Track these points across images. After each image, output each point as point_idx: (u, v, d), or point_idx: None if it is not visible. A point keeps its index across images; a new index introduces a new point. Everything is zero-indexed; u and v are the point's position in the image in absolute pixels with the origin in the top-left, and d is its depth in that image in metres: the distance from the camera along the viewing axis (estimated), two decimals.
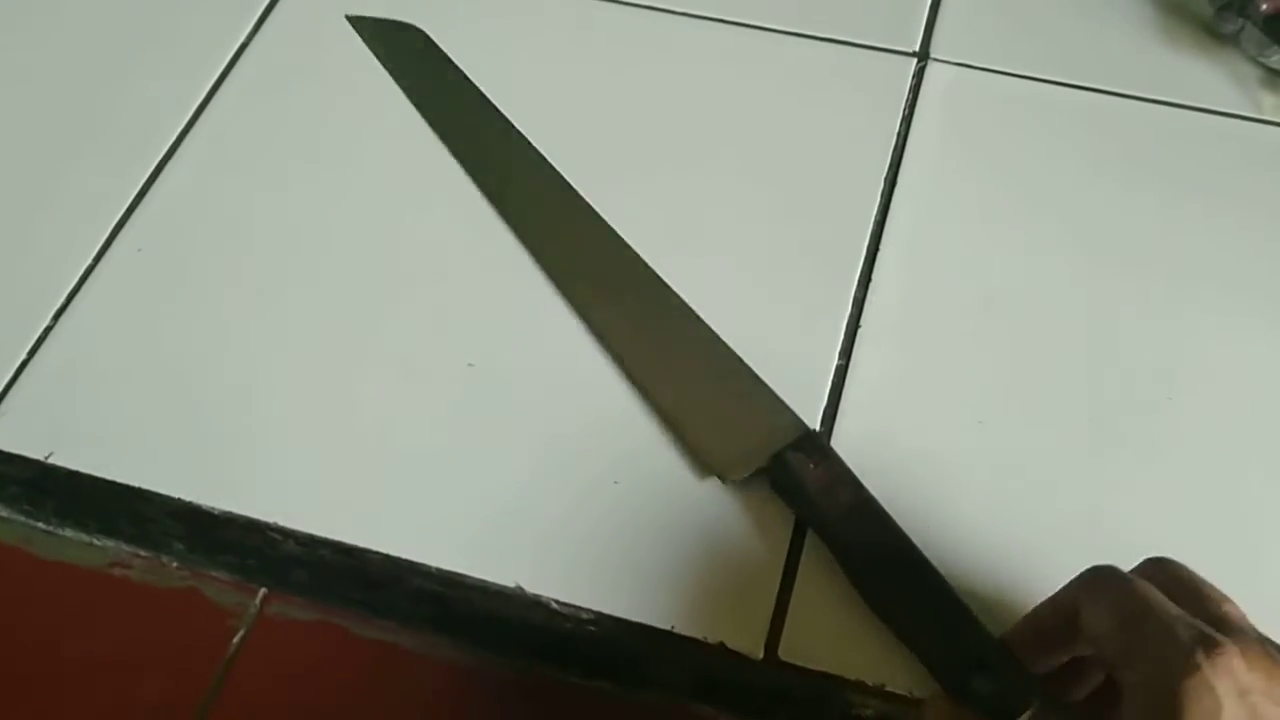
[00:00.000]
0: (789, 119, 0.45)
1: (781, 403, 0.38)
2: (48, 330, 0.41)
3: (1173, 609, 0.27)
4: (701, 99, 0.46)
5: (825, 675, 0.34)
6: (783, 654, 0.34)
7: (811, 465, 0.35)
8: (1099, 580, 0.29)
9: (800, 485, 0.35)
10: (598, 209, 0.43)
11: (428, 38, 0.48)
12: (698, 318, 0.40)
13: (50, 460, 0.39)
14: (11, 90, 0.48)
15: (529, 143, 0.45)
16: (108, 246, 0.43)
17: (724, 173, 0.44)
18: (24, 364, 0.41)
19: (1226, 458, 0.37)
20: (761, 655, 0.34)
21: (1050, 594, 0.31)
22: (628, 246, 0.41)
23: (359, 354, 0.40)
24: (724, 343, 0.39)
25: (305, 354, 0.40)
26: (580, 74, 0.47)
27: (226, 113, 0.47)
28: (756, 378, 0.38)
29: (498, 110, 0.46)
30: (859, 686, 0.34)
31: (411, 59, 0.48)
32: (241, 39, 0.49)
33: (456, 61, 0.47)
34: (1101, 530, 0.35)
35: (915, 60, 0.46)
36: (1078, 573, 0.30)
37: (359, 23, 0.49)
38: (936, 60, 0.46)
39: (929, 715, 0.32)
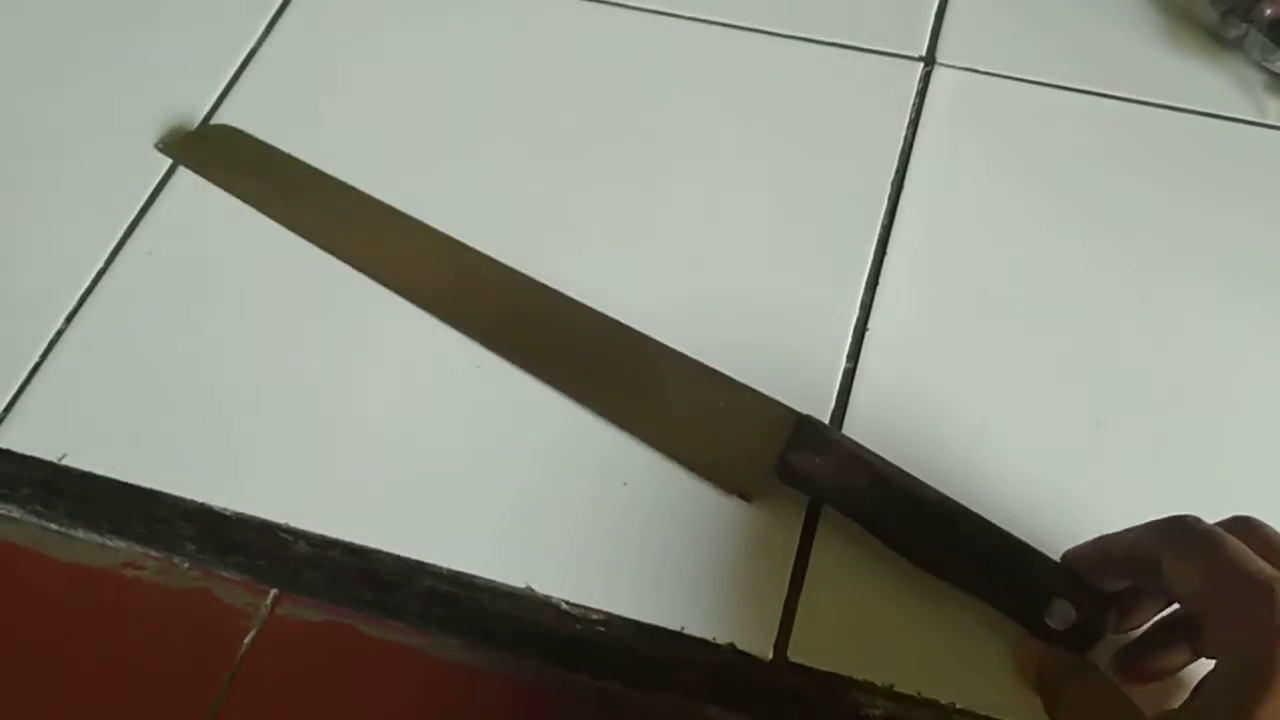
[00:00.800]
0: (796, 124, 0.45)
1: (766, 399, 0.37)
2: (60, 333, 0.42)
3: (1267, 569, 0.27)
4: (706, 104, 0.46)
5: (834, 676, 0.34)
6: (792, 655, 0.34)
7: (816, 459, 0.35)
8: (1185, 534, 0.29)
9: (813, 483, 0.35)
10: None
11: (240, 133, 0.46)
12: (653, 341, 0.39)
13: (63, 461, 0.39)
14: (20, 95, 0.48)
15: (384, 205, 0.43)
16: (119, 249, 0.44)
17: (729, 178, 0.44)
18: (37, 366, 0.41)
19: (1231, 459, 0.37)
20: (771, 656, 0.34)
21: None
22: (540, 287, 0.41)
23: (370, 356, 0.41)
24: (689, 358, 0.39)
25: (316, 355, 0.41)
26: (575, 80, 0.47)
27: (239, 115, 0.47)
28: (733, 383, 0.38)
29: (341, 184, 0.44)
30: (868, 687, 0.34)
31: (232, 159, 0.45)
32: (258, 35, 0.49)
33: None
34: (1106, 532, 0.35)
35: (921, 65, 0.46)
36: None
37: (170, 148, 0.46)
38: (943, 65, 0.46)
39: (1021, 656, 0.32)
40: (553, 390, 0.39)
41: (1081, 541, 0.32)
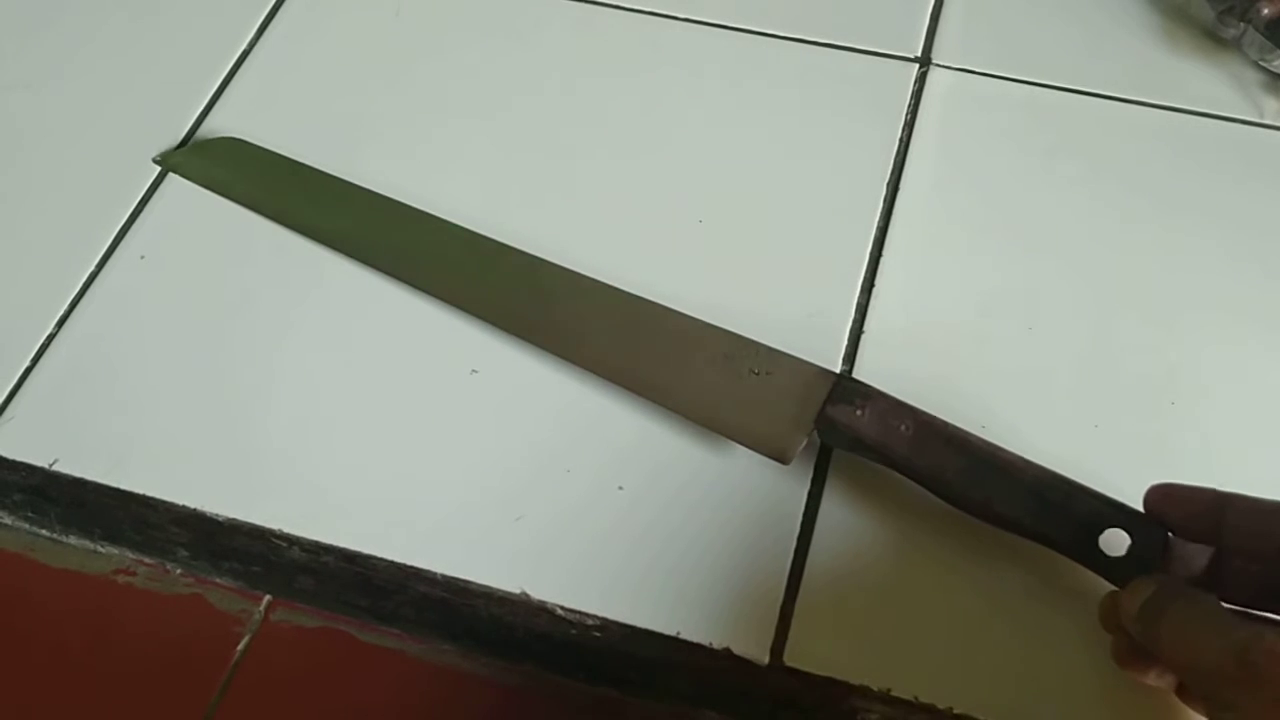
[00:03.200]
0: (791, 125, 0.45)
1: (798, 361, 0.37)
2: (51, 338, 0.41)
3: None
4: (703, 106, 0.46)
5: (831, 680, 0.34)
6: (788, 659, 0.34)
7: (858, 411, 0.35)
8: None
9: (857, 433, 0.35)
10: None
11: (245, 144, 0.45)
12: (675, 312, 0.39)
13: (54, 468, 0.39)
14: (13, 96, 0.48)
15: (408, 207, 0.43)
16: (110, 253, 0.43)
17: (728, 179, 0.44)
18: (28, 371, 0.41)
19: (1231, 462, 0.37)
20: (767, 660, 0.34)
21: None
22: (559, 269, 0.41)
23: (362, 360, 0.40)
24: (715, 326, 0.38)
25: (309, 360, 0.41)
26: (569, 81, 0.47)
27: (230, 119, 0.47)
28: (762, 347, 0.37)
29: (353, 186, 0.44)
30: (864, 691, 0.34)
31: (238, 172, 0.45)
32: (246, 44, 0.49)
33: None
34: None
35: (917, 66, 0.46)
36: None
37: (169, 159, 0.45)
38: (938, 66, 0.46)
39: (1105, 608, 0.32)
40: (556, 387, 0.39)
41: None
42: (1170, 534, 0.32)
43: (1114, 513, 0.32)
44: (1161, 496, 0.32)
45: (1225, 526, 0.31)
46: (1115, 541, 0.32)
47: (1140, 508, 0.33)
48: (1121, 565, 0.32)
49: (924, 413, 0.35)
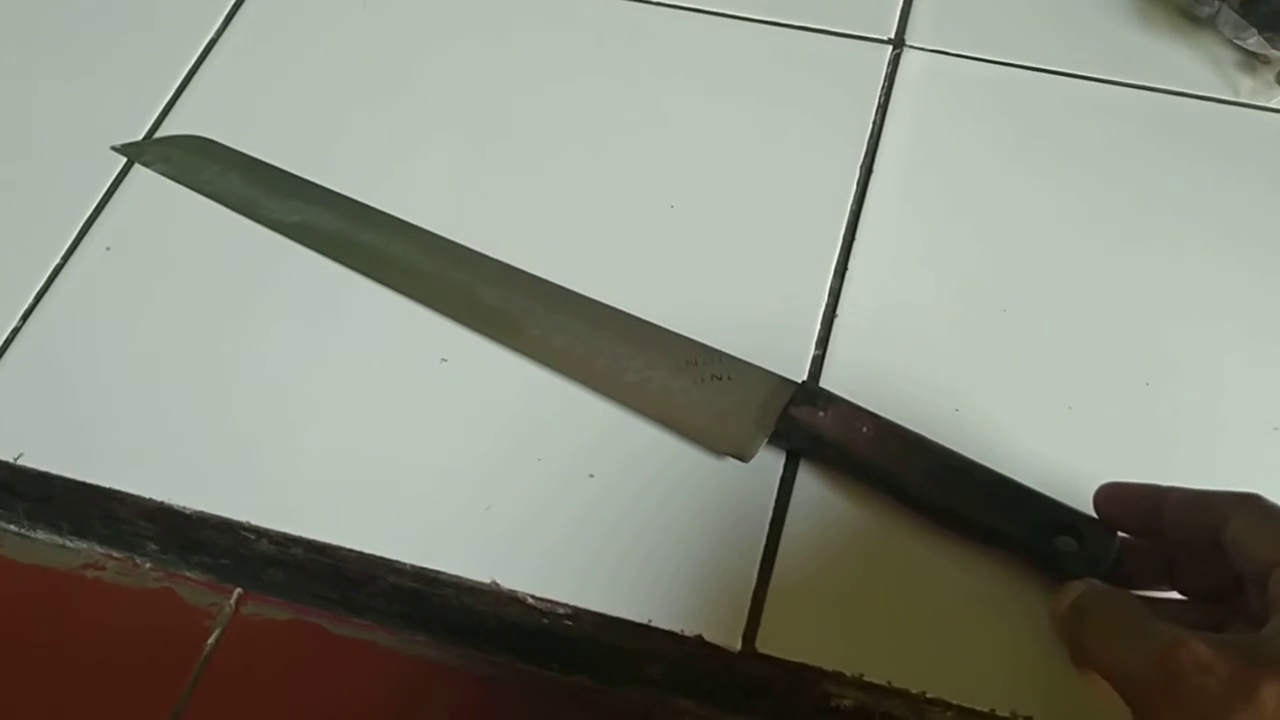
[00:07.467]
0: (765, 108, 0.45)
1: (760, 369, 0.38)
2: (15, 331, 0.41)
3: None
4: (674, 90, 0.46)
5: (803, 666, 0.34)
6: (760, 646, 0.34)
7: (820, 413, 0.36)
8: (1262, 501, 0.29)
9: (818, 434, 0.35)
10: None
11: (211, 142, 0.45)
12: (641, 320, 0.39)
13: (20, 462, 0.38)
14: None
15: (376, 211, 0.43)
16: (76, 245, 0.43)
17: (699, 163, 0.44)
18: None
19: (1206, 443, 0.37)
20: (739, 647, 0.34)
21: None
22: (526, 275, 0.41)
23: (329, 351, 0.40)
24: (679, 335, 0.39)
25: (276, 351, 0.40)
26: (539, 67, 0.47)
27: (199, 108, 0.46)
28: (724, 355, 0.38)
29: (317, 186, 0.44)
30: (837, 677, 0.33)
31: (205, 169, 0.44)
32: (215, 28, 0.48)
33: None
34: None
35: (891, 47, 0.46)
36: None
37: (131, 149, 0.45)
38: (912, 47, 0.46)
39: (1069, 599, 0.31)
40: (526, 375, 0.39)
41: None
42: (1121, 534, 0.32)
43: (1064, 517, 0.33)
44: (1106, 497, 0.33)
45: (1164, 521, 0.31)
46: (1066, 546, 0.33)
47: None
48: (1071, 569, 0.32)
49: (885, 419, 0.36)
